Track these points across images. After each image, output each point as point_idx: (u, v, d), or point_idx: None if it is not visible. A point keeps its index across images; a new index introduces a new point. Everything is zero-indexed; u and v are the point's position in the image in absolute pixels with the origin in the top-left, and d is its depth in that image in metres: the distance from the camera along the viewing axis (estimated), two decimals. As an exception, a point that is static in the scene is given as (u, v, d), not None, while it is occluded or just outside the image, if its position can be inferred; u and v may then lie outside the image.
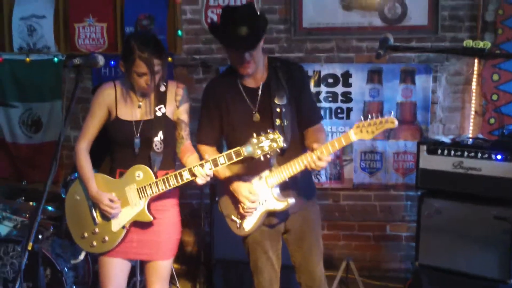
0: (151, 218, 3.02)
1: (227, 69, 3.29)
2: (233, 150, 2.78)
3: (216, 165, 2.84)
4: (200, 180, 2.88)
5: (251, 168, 3.07)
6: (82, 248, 3.28)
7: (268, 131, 2.73)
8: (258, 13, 3.05)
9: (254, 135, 2.74)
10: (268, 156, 2.75)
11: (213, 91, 3.24)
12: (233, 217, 3.23)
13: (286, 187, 3.13)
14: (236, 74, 3.13)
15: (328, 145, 2.87)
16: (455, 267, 4.11)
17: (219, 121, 3.21)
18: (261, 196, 3.10)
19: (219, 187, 3.35)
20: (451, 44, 5.06)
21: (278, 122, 3.04)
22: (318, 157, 2.88)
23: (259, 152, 2.72)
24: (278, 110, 3.05)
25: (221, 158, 2.82)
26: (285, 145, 2.94)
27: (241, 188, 3.07)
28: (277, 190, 3.10)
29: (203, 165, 2.85)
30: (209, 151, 3.15)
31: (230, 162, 2.81)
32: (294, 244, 3.30)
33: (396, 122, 2.74)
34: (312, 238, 3.28)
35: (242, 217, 3.19)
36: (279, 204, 3.09)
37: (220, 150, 3.17)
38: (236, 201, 3.16)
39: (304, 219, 3.25)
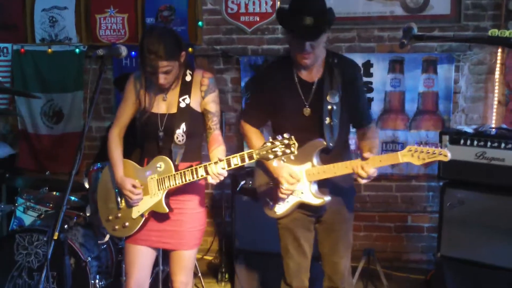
0: (167, 210, 3.04)
1: (283, 57, 3.28)
2: (246, 152, 2.78)
3: (229, 165, 2.83)
4: (212, 179, 2.87)
5: (295, 158, 3.09)
6: (107, 231, 3.33)
7: (284, 135, 2.71)
8: (327, 7, 3.03)
9: (270, 138, 2.73)
10: (282, 161, 2.74)
11: (268, 76, 3.26)
12: (267, 199, 3.26)
13: (325, 185, 3.14)
14: (292, 65, 3.12)
15: (376, 158, 2.89)
16: (478, 259, 4.08)
17: (267, 106, 3.22)
18: (299, 187, 3.11)
19: (257, 166, 3.35)
20: (475, 33, 5.00)
21: (328, 120, 3.05)
22: (365, 170, 2.90)
23: (271, 156, 2.71)
24: (329, 108, 3.05)
25: (235, 159, 2.81)
26: (331, 144, 3.02)
27: (282, 170, 3.08)
28: (315, 186, 3.12)
29: (218, 164, 2.84)
30: (252, 132, 3.26)
31: (242, 163, 2.81)
32: (323, 233, 3.31)
33: (450, 156, 2.76)
34: (342, 231, 3.29)
35: (275, 199, 3.21)
36: (315, 200, 3.11)
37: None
38: (271, 183, 3.19)
39: (338, 213, 3.25)
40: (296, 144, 2.70)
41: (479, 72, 5.10)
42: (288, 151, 2.69)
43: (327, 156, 3.10)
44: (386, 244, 5.39)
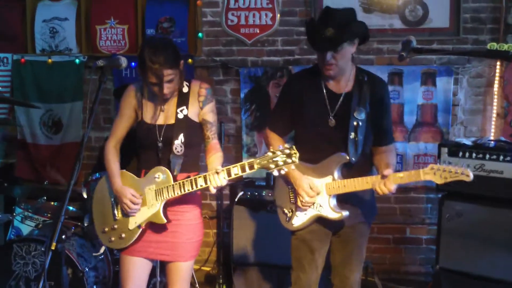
0: (165, 220, 3.02)
1: (312, 67, 3.31)
2: (247, 161, 2.77)
3: (229, 175, 2.81)
4: (213, 188, 2.86)
5: (316, 171, 3.11)
6: (103, 243, 3.31)
7: (285, 145, 2.70)
8: (356, 20, 3.08)
9: (271, 148, 2.73)
10: (283, 171, 2.73)
11: (294, 85, 3.29)
12: (285, 210, 3.25)
13: (345, 200, 3.14)
14: (321, 74, 3.14)
15: (397, 175, 2.90)
16: (477, 271, 4.07)
17: (291, 115, 3.24)
18: (318, 200, 3.11)
19: (278, 177, 3.29)
20: (473, 47, 5.03)
21: (352, 135, 3.06)
22: (387, 187, 2.91)
23: (272, 166, 2.69)
24: (355, 124, 3.07)
25: (235, 169, 2.80)
26: (353, 159, 3.03)
27: (303, 182, 3.09)
28: (335, 200, 3.12)
29: (218, 174, 2.82)
30: (276, 139, 3.27)
31: (243, 173, 2.80)
32: (337, 245, 3.29)
33: (472, 177, 2.75)
34: (356, 244, 3.27)
35: (293, 211, 3.20)
36: (333, 214, 3.10)
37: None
38: (290, 195, 3.20)
39: (355, 227, 3.24)
40: (298, 154, 2.67)
41: (478, 85, 5.12)
42: (289, 160, 2.67)
43: (349, 171, 3.10)
44: (385, 256, 5.37)
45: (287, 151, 2.67)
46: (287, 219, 3.24)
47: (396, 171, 2.98)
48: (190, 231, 3.16)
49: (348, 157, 3.04)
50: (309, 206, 3.14)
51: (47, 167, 5.62)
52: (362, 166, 3.15)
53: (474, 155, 4.13)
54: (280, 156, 2.67)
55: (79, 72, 5.50)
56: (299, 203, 3.14)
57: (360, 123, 3.07)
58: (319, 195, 3.10)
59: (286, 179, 3.20)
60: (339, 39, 2.95)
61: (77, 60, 5.47)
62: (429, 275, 5.12)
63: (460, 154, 4.17)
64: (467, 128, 5.17)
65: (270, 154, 2.70)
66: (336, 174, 3.08)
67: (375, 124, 3.15)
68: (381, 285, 4.65)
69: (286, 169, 2.71)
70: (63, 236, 3.84)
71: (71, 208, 4.33)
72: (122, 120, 3.16)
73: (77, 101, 5.56)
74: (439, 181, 2.81)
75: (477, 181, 4.02)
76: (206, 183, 2.87)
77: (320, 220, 3.16)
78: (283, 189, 3.29)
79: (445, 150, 4.25)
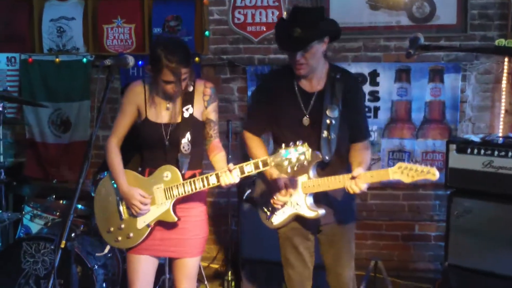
0: (176, 218, 3.03)
1: (285, 67, 3.29)
2: (261, 159, 2.80)
3: (242, 172, 2.85)
4: (225, 185, 2.89)
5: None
6: (107, 243, 3.30)
7: (297, 143, 2.73)
8: (324, 18, 3.08)
9: (283, 145, 2.74)
10: (295, 168, 2.75)
11: (268, 85, 3.30)
12: (265, 209, 3.27)
13: (320, 199, 3.14)
14: (294, 74, 3.14)
15: (368, 174, 2.91)
16: (485, 268, 4.06)
17: (267, 115, 3.24)
18: (294, 198, 3.12)
19: (258, 177, 3.36)
20: (481, 43, 5.02)
21: (325, 134, 3.06)
22: (357, 185, 2.90)
23: (286, 163, 2.72)
24: (328, 122, 3.06)
25: (248, 167, 2.83)
26: (327, 158, 3.02)
27: (277, 180, 3.09)
28: (311, 199, 3.12)
29: (232, 172, 2.85)
30: (254, 140, 3.27)
31: (257, 171, 2.84)
32: (325, 245, 3.30)
33: (438, 176, 2.74)
34: (343, 241, 3.27)
35: (272, 210, 3.22)
36: (309, 212, 3.10)
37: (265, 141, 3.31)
38: (269, 193, 3.19)
39: (338, 224, 3.24)
40: (310, 151, 2.71)
41: (486, 81, 5.10)
42: (302, 157, 2.70)
43: (324, 170, 3.10)
44: (393, 253, 5.37)
45: (300, 148, 2.71)
46: (267, 218, 3.26)
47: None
48: (197, 227, 3.18)
49: (321, 156, 3.03)
50: (283, 204, 3.14)
51: (58, 166, 5.64)
52: (337, 165, 3.14)
53: (482, 151, 4.12)
54: (293, 153, 2.71)
55: (87, 71, 5.52)
56: (272, 201, 3.15)
57: (333, 121, 3.06)
58: (295, 194, 3.10)
59: (265, 177, 3.21)
60: (307, 39, 2.94)
61: (84, 59, 5.48)
62: (438, 272, 5.12)
63: (469, 150, 4.16)
64: (475, 125, 5.16)
65: (283, 151, 2.72)
66: (311, 172, 3.07)
67: (348, 121, 3.14)
68: (390, 282, 4.63)
69: (299, 166, 2.73)
70: (73, 234, 3.86)
71: (79, 206, 4.34)
72: (125, 118, 3.15)
73: (85, 100, 5.59)
74: (406, 179, 2.81)
75: (486, 177, 4.07)
76: (218, 181, 2.89)
77: (299, 219, 3.17)
78: (261, 187, 3.31)
79: (453, 147, 4.24)
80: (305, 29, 2.93)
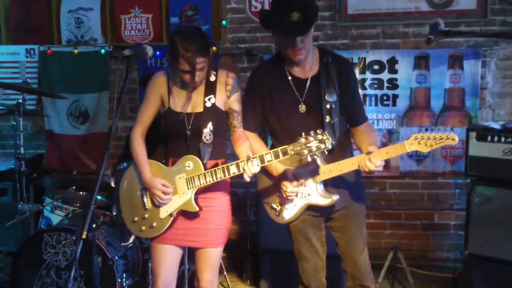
0: (197, 208, 3.04)
1: (273, 57, 3.27)
2: (280, 148, 2.79)
3: (262, 161, 2.84)
4: (247, 176, 2.88)
5: (299, 161, 3.07)
6: (132, 232, 3.33)
7: (318, 131, 2.71)
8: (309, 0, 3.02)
9: (303, 134, 2.73)
10: (316, 156, 2.74)
11: (258, 79, 3.23)
12: (273, 205, 3.24)
13: (331, 184, 3.12)
14: (283, 63, 3.11)
15: (382, 151, 2.87)
16: (506, 257, 4.04)
17: (262, 109, 3.21)
18: (305, 189, 3.10)
19: (259, 174, 3.31)
20: (501, 28, 4.95)
21: (328, 119, 3.02)
22: (372, 162, 2.87)
23: (306, 152, 2.72)
24: (328, 107, 3.03)
25: (268, 156, 2.82)
26: (334, 142, 2.97)
27: (286, 173, 3.07)
28: (322, 186, 3.10)
29: (252, 161, 2.85)
30: (251, 136, 3.20)
31: (276, 160, 2.82)
32: (337, 231, 3.28)
33: (457, 139, 2.71)
34: (355, 226, 3.25)
35: (282, 204, 3.19)
36: (323, 200, 3.08)
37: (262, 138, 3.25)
38: (276, 189, 3.17)
39: (348, 209, 3.22)
40: (330, 139, 2.69)
41: (506, 67, 5.03)
42: (322, 146, 2.70)
43: (330, 155, 3.05)
44: (412, 242, 5.34)
45: (320, 136, 2.71)
46: (277, 214, 3.22)
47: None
48: (220, 217, 3.18)
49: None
50: (295, 196, 3.11)
51: (77, 157, 5.68)
52: (343, 149, 3.12)
53: (503, 139, 4.08)
54: (313, 142, 2.70)
55: (105, 62, 5.54)
56: (284, 195, 3.11)
57: (333, 106, 3.03)
58: (305, 184, 3.08)
59: (269, 173, 3.19)
60: (308, 22, 2.91)
61: (102, 50, 5.50)
62: (458, 261, 5.10)
63: (489, 138, 4.13)
64: (495, 112, 5.09)
65: (303, 140, 2.72)
66: (319, 160, 3.01)
67: (346, 105, 3.11)
68: (409, 271, 4.62)
69: (318, 155, 2.73)
70: (93, 225, 3.89)
71: (99, 197, 4.37)
72: (149, 108, 3.17)
73: (103, 91, 5.61)
74: (424, 149, 2.76)
75: (507, 165, 4.03)
76: (239, 170, 2.89)
77: (311, 209, 3.15)
78: (267, 184, 3.27)
79: (473, 134, 4.20)
80: (303, 12, 2.89)
